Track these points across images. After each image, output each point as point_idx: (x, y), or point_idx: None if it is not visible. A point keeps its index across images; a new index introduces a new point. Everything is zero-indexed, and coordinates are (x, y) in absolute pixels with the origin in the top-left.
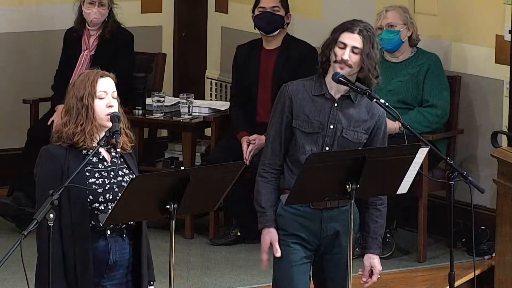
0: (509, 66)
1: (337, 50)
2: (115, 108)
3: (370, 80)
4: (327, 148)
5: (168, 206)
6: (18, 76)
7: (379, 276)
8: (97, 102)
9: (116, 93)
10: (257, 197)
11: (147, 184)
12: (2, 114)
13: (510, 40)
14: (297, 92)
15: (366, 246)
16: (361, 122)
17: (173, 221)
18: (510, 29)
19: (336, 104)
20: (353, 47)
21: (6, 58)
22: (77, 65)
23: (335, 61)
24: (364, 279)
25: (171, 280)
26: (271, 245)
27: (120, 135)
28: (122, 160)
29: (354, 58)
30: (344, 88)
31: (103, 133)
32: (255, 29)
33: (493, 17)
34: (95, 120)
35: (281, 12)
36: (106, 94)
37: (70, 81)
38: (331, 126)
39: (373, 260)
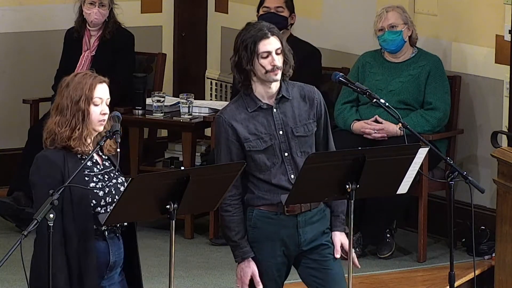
0: (509, 66)
1: (262, 61)
2: (107, 115)
3: (288, 71)
4: (285, 154)
5: (168, 206)
6: (18, 76)
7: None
8: (92, 108)
9: (109, 100)
10: (226, 232)
11: (147, 184)
12: (2, 114)
13: (510, 40)
14: (233, 116)
15: (331, 224)
16: (305, 114)
17: (173, 221)
18: (510, 29)
19: (275, 110)
20: (276, 50)
21: (6, 58)
22: (77, 65)
23: (267, 72)
24: (337, 255)
25: (171, 280)
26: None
27: (121, 135)
28: (109, 162)
29: (281, 59)
30: (274, 91)
31: (93, 137)
32: None
33: (493, 17)
34: (90, 125)
35: (285, 13)
36: (101, 101)
37: (63, 79)
38: (281, 132)
39: (338, 237)
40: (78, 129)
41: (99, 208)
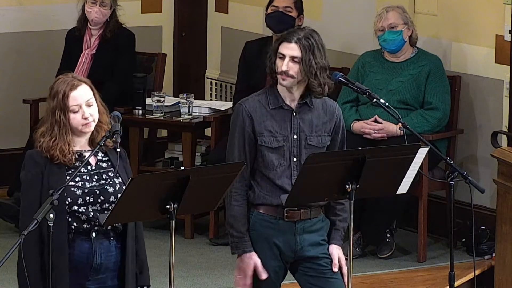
0: (509, 66)
1: (277, 61)
2: (92, 116)
3: (314, 87)
4: (294, 159)
5: (168, 206)
6: (18, 76)
7: (345, 266)
8: (71, 115)
9: (92, 99)
10: (233, 222)
11: (147, 184)
12: (2, 114)
13: (510, 40)
14: (254, 108)
15: (330, 236)
16: (322, 126)
17: (173, 221)
18: (510, 29)
19: (295, 113)
20: (292, 57)
21: (6, 58)
22: (78, 63)
23: (277, 73)
24: (335, 269)
25: (171, 280)
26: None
27: (121, 135)
28: (109, 163)
29: (295, 68)
30: (296, 96)
31: (82, 140)
32: (267, 27)
33: (493, 17)
34: (72, 132)
35: (293, 13)
36: (79, 107)
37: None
38: (295, 137)
39: (336, 251)
40: (54, 140)
41: (76, 207)
